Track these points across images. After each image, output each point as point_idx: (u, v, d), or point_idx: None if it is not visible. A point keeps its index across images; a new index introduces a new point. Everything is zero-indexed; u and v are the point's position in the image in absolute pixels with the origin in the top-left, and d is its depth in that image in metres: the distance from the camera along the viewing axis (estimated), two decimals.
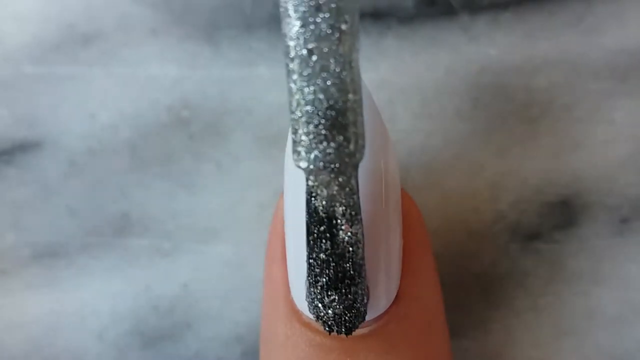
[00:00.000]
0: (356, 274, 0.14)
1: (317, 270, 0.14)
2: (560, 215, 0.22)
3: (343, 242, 0.13)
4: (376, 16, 0.21)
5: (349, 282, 0.14)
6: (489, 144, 0.22)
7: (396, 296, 0.15)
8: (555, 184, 0.22)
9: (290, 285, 0.16)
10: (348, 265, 0.14)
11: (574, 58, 0.21)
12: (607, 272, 0.22)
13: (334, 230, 0.13)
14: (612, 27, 0.21)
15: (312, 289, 0.14)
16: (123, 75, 0.22)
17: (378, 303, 0.15)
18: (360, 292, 0.14)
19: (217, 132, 0.22)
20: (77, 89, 0.22)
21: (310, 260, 0.14)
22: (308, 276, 0.14)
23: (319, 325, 0.15)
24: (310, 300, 0.14)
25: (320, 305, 0.14)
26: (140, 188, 0.22)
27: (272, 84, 0.22)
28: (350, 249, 0.14)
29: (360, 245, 0.14)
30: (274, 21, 0.21)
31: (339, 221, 0.13)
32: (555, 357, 0.22)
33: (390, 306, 0.15)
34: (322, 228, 0.13)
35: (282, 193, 0.16)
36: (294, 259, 0.15)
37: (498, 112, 0.22)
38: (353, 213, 0.13)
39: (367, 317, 0.15)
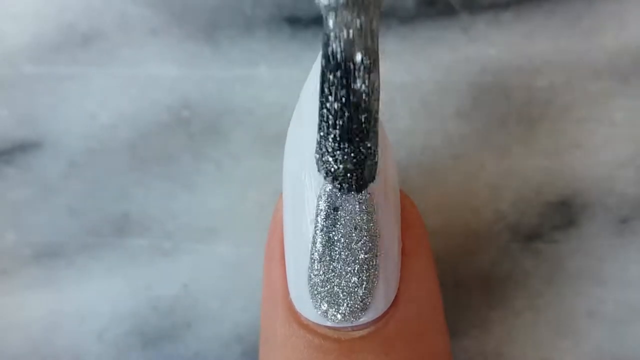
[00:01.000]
0: (370, 126, 0.13)
1: (330, 120, 0.13)
2: (560, 215, 0.22)
3: (359, 90, 0.13)
4: None
5: (363, 134, 0.13)
6: (489, 144, 0.22)
7: (395, 297, 0.15)
8: (555, 184, 0.22)
9: (289, 286, 0.16)
10: (363, 116, 0.13)
11: (574, 58, 0.21)
12: (607, 272, 0.22)
13: (351, 76, 0.13)
14: (612, 27, 0.21)
15: (323, 142, 0.13)
16: (123, 75, 0.22)
17: (377, 305, 0.15)
18: (373, 147, 0.13)
19: (217, 132, 0.22)
20: (77, 89, 0.22)
21: (323, 110, 0.13)
22: (319, 129, 0.13)
23: (317, 327, 0.15)
24: (320, 155, 0.13)
25: (331, 159, 0.13)
26: (140, 188, 0.22)
27: (272, 84, 0.22)
28: (366, 98, 0.13)
29: (376, 96, 0.13)
30: (274, 21, 0.22)
31: (356, 67, 0.12)
32: (555, 357, 0.22)
33: (389, 307, 0.15)
34: (338, 74, 0.13)
35: (281, 194, 0.16)
36: (293, 259, 0.15)
37: (498, 112, 0.22)
38: (372, 60, 0.13)
39: (366, 319, 0.15)
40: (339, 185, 0.14)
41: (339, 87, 0.13)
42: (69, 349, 0.22)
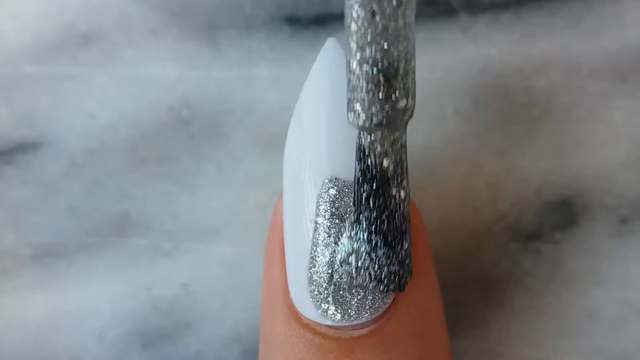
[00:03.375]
0: (406, 229, 0.14)
1: (371, 228, 0.14)
2: (560, 215, 0.22)
3: (395, 198, 0.14)
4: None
5: (400, 237, 0.14)
6: (489, 144, 0.22)
7: (394, 297, 0.15)
8: (555, 184, 0.22)
9: (290, 286, 0.16)
10: (399, 221, 0.14)
11: (574, 58, 0.21)
12: (607, 272, 0.22)
13: (387, 186, 0.14)
14: (612, 27, 0.21)
15: (368, 247, 0.14)
16: (123, 75, 0.22)
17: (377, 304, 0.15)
18: (409, 247, 0.14)
19: (217, 132, 0.22)
20: (77, 89, 0.22)
21: (363, 220, 0.14)
22: (356, 240, 0.14)
23: (317, 326, 0.15)
24: (365, 260, 0.14)
25: (376, 265, 0.14)
26: (140, 188, 0.22)
27: (272, 84, 0.22)
28: (401, 205, 0.14)
29: (408, 201, 0.14)
30: (274, 21, 0.22)
31: (390, 177, 0.14)
32: (555, 356, 0.22)
33: (389, 307, 0.15)
34: (374, 185, 0.14)
35: (281, 195, 0.16)
36: (293, 259, 0.15)
37: (498, 112, 0.22)
38: (404, 169, 0.14)
39: (365, 319, 0.15)
40: (385, 289, 0.14)
41: (377, 198, 0.14)
42: (69, 349, 0.22)
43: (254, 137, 0.22)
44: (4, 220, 0.22)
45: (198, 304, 0.22)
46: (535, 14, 0.21)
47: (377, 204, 0.14)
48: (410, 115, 0.14)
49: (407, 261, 0.14)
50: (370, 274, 0.14)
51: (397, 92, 0.13)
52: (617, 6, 0.21)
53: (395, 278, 0.14)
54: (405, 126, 0.14)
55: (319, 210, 0.15)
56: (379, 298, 0.15)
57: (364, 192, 0.14)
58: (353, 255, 0.14)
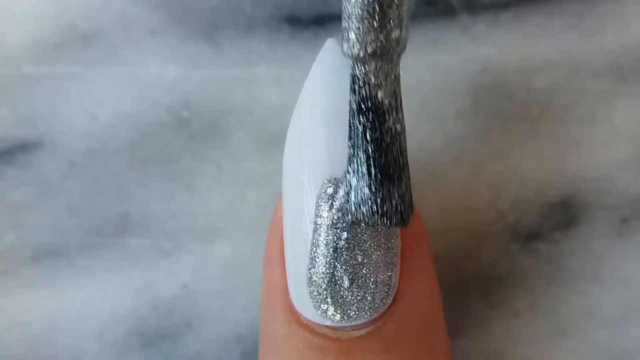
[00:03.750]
0: (405, 162, 0.14)
1: (367, 163, 0.14)
2: (560, 215, 0.22)
3: (391, 130, 0.14)
4: None
5: (400, 170, 0.14)
6: (489, 144, 0.22)
7: (394, 297, 0.15)
8: (555, 184, 0.22)
9: (289, 287, 0.16)
10: (397, 153, 0.14)
11: (574, 58, 0.21)
12: (607, 272, 0.22)
13: (382, 118, 0.14)
14: (612, 27, 0.21)
15: (369, 181, 0.14)
16: (123, 75, 0.22)
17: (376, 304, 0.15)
18: (408, 182, 0.14)
19: (217, 132, 0.22)
20: (77, 89, 0.22)
21: (360, 154, 0.14)
22: (354, 177, 0.14)
23: (317, 326, 0.15)
24: (368, 195, 0.14)
25: (378, 199, 0.14)
26: (140, 188, 0.22)
27: (272, 84, 0.22)
28: (399, 138, 0.14)
29: (404, 136, 0.14)
30: (274, 21, 0.22)
31: (385, 109, 0.14)
32: (555, 356, 0.22)
33: (388, 307, 0.15)
34: (370, 117, 0.14)
35: (281, 195, 0.16)
36: (293, 259, 0.15)
37: (498, 112, 0.22)
38: (399, 102, 0.14)
39: (365, 319, 0.15)
40: (389, 223, 0.14)
41: (372, 130, 0.14)
42: (69, 349, 0.22)
43: (254, 137, 0.22)
44: (4, 221, 0.22)
45: (198, 304, 0.22)
46: (535, 14, 0.21)
47: (374, 136, 0.14)
48: (404, 48, 0.13)
49: (407, 196, 0.14)
50: (371, 208, 0.14)
51: (391, 21, 0.13)
52: (617, 6, 0.21)
53: (397, 212, 0.14)
54: (399, 59, 0.14)
55: (319, 210, 0.15)
56: (378, 298, 0.15)
57: (360, 124, 0.14)
58: (352, 192, 0.14)
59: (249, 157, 0.22)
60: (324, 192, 0.15)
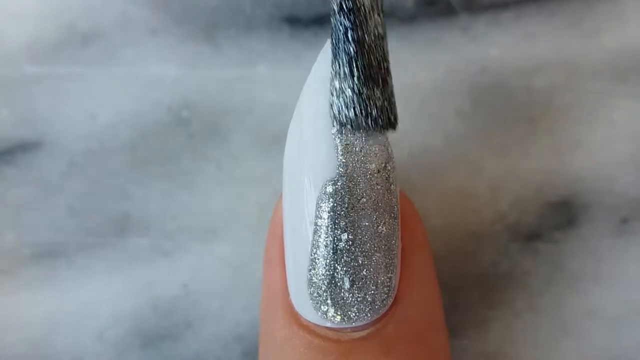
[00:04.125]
0: (388, 69, 0.14)
1: (350, 65, 0.14)
2: (560, 215, 0.22)
3: (374, 31, 0.14)
4: None
5: (385, 72, 0.14)
6: (489, 144, 0.22)
7: (395, 298, 0.15)
8: (555, 184, 0.22)
9: (289, 287, 0.16)
10: (379, 54, 0.14)
11: (574, 58, 0.21)
12: (607, 272, 0.22)
13: (364, 18, 0.14)
14: (612, 27, 0.21)
15: (352, 81, 0.14)
16: (123, 75, 0.22)
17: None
18: (392, 86, 0.14)
19: (217, 132, 0.22)
20: (77, 89, 0.22)
21: (342, 58, 0.14)
22: (339, 81, 0.14)
23: (317, 328, 0.15)
24: (342, 106, 0.14)
25: (363, 100, 0.14)
26: (140, 188, 0.22)
27: (272, 84, 0.22)
28: (381, 41, 0.14)
29: (386, 40, 0.14)
30: (274, 21, 0.21)
31: (367, 11, 0.14)
32: (555, 356, 0.22)
33: (389, 308, 0.15)
34: (351, 17, 0.14)
35: (281, 195, 0.16)
36: (293, 260, 0.15)
37: (498, 112, 0.22)
38: (379, 6, 0.14)
39: (365, 321, 0.15)
40: (374, 125, 0.14)
41: (354, 31, 0.14)
42: (69, 349, 0.22)
43: (254, 137, 0.22)
44: (4, 220, 0.22)
45: (198, 304, 0.22)
46: (536, 14, 0.21)
47: (355, 37, 0.14)
48: None
49: (393, 99, 0.14)
50: (354, 109, 0.14)
51: None
52: (617, 6, 0.21)
53: (383, 113, 0.14)
54: None
55: (319, 211, 0.15)
56: (378, 299, 0.15)
57: (340, 25, 0.14)
58: (335, 95, 0.14)
59: (249, 157, 0.22)
60: (324, 193, 0.15)
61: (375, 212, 0.15)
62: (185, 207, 0.22)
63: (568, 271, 0.22)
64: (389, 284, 0.15)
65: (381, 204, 0.15)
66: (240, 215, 0.22)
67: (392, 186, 0.15)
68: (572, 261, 0.22)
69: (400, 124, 0.21)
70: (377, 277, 0.15)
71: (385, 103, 0.14)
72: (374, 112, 0.14)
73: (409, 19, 0.21)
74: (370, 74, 0.14)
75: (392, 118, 0.14)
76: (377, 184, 0.15)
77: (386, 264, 0.15)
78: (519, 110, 0.21)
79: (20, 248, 0.22)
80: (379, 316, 0.15)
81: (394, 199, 0.15)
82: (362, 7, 0.14)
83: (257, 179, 0.22)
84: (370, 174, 0.15)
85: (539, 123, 0.21)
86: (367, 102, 0.14)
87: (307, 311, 0.15)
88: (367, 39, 0.14)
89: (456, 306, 0.22)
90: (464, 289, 0.22)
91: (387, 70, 0.14)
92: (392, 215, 0.15)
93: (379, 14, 0.14)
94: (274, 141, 0.22)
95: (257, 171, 0.22)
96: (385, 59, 0.14)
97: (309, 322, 0.15)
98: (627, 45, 0.21)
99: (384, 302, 0.15)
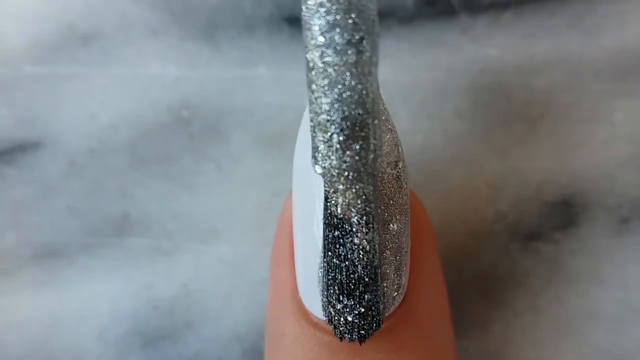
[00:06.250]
0: (371, 281, 0.14)
1: (331, 275, 0.14)
2: (560, 215, 0.22)
3: (358, 248, 0.14)
4: None
5: (363, 288, 0.14)
6: (489, 144, 0.22)
7: (404, 297, 0.15)
8: (555, 184, 0.22)
9: (299, 286, 0.16)
10: (363, 271, 0.14)
11: (574, 58, 0.21)
12: (607, 272, 0.22)
13: (349, 236, 0.13)
14: (612, 27, 0.21)
15: (325, 293, 0.14)
16: (123, 75, 0.22)
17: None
18: (374, 299, 0.14)
19: (217, 132, 0.22)
20: (77, 89, 0.22)
21: (324, 264, 0.14)
22: (323, 280, 0.14)
23: (327, 325, 0.15)
24: (325, 304, 0.14)
25: (332, 310, 0.14)
26: (140, 188, 0.22)
27: (272, 84, 0.22)
28: (364, 256, 0.14)
29: (375, 253, 0.14)
30: (274, 21, 0.21)
31: (354, 228, 0.13)
32: (555, 356, 0.22)
33: (399, 306, 0.15)
34: (336, 233, 0.14)
35: (288, 195, 0.16)
36: (303, 258, 0.15)
37: (498, 112, 0.22)
38: (368, 220, 0.13)
39: None
40: (341, 336, 0.14)
41: (338, 245, 0.14)
42: (69, 349, 0.22)
43: (254, 137, 0.22)
44: (4, 220, 0.22)
45: (198, 304, 0.22)
46: (536, 14, 0.21)
47: (337, 251, 0.14)
48: (377, 167, 0.13)
49: (370, 313, 0.14)
50: (329, 318, 0.14)
51: (358, 143, 0.13)
52: (617, 6, 0.21)
53: (352, 328, 0.14)
54: (372, 177, 0.13)
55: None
56: (388, 297, 0.15)
57: (325, 238, 0.14)
58: (321, 297, 0.14)
59: (249, 157, 0.22)
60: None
61: (386, 210, 0.15)
62: (185, 207, 0.22)
63: (568, 271, 0.22)
64: (398, 282, 0.15)
65: (392, 201, 0.15)
66: (240, 215, 0.22)
67: (404, 185, 0.15)
68: (572, 261, 0.22)
69: (400, 124, 0.21)
70: (386, 274, 0.15)
71: (357, 318, 0.14)
72: (342, 327, 0.14)
73: (409, 19, 0.21)
74: (345, 289, 0.14)
75: (363, 332, 0.14)
76: (388, 182, 0.15)
77: (396, 262, 0.15)
78: (519, 110, 0.21)
79: (20, 248, 0.22)
80: (388, 314, 0.15)
81: (404, 197, 0.15)
82: (349, 225, 0.13)
83: (257, 179, 0.22)
84: (381, 172, 0.15)
85: (539, 123, 0.21)
86: (334, 316, 0.14)
87: (318, 308, 0.15)
88: (349, 255, 0.14)
89: (456, 306, 0.22)
90: (464, 289, 0.22)
91: (372, 282, 0.14)
92: (403, 213, 0.15)
93: (370, 230, 0.14)
94: (273, 141, 0.22)
95: (257, 171, 0.22)
96: (371, 271, 0.14)
97: (319, 319, 0.15)
98: (627, 45, 0.21)
99: (394, 300, 0.15)
